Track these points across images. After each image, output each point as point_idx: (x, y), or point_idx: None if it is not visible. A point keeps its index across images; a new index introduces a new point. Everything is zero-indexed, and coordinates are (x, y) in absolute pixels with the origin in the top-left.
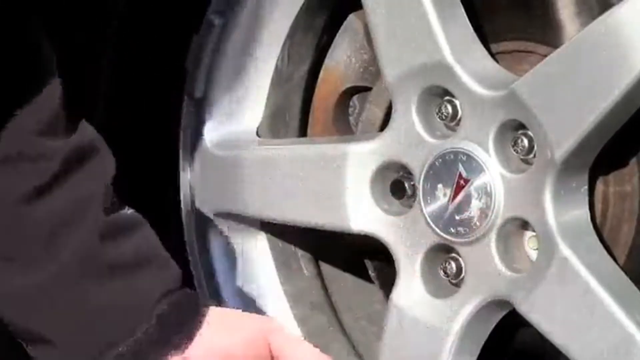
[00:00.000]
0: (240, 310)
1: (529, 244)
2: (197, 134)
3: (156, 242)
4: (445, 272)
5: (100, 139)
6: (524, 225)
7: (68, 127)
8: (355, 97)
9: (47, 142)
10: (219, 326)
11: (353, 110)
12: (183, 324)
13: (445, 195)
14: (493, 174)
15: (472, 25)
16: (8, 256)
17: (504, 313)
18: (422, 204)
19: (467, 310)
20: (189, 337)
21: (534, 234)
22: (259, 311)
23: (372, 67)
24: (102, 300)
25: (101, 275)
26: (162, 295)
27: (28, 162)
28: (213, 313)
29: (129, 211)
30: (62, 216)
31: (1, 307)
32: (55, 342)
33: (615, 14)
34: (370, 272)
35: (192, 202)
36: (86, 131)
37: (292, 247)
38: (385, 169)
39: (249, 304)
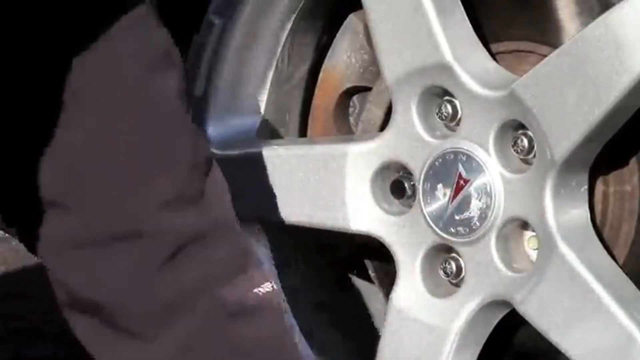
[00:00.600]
0: None
1: (529, 244)
2: None
3: (282, 329)
4: (445, 272)
5: (231, 215)
6: (524, 225)
7: (194, 195)
8: (355, 97)
9: (169, 219)
10: None
11: (353, 110)
12: None
13: (445, 195)
14: (493, 174)
15: (472, 25)
16: (126, 328)
17: (504, 313)
18: (422, 204)
19: (467, 310)
20: None
21: (534, 234)
22: None
23: (372, 67)
24: None
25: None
26: None
27: (147, 239)
28: None
29: (264, 290)
30: (183, 293)
31: None
32: None
33: (615, 13)
34: (370, 272)
35: None
36: (215, 204)
37: (292, 247)
38: (385, 169)
39: None
